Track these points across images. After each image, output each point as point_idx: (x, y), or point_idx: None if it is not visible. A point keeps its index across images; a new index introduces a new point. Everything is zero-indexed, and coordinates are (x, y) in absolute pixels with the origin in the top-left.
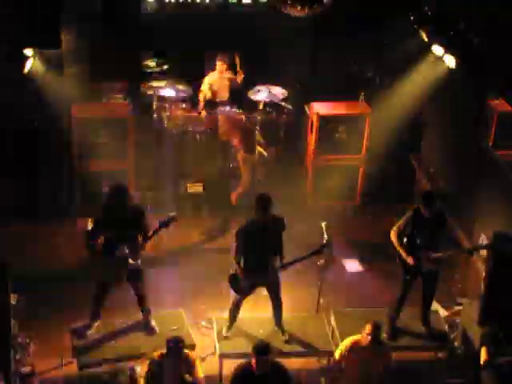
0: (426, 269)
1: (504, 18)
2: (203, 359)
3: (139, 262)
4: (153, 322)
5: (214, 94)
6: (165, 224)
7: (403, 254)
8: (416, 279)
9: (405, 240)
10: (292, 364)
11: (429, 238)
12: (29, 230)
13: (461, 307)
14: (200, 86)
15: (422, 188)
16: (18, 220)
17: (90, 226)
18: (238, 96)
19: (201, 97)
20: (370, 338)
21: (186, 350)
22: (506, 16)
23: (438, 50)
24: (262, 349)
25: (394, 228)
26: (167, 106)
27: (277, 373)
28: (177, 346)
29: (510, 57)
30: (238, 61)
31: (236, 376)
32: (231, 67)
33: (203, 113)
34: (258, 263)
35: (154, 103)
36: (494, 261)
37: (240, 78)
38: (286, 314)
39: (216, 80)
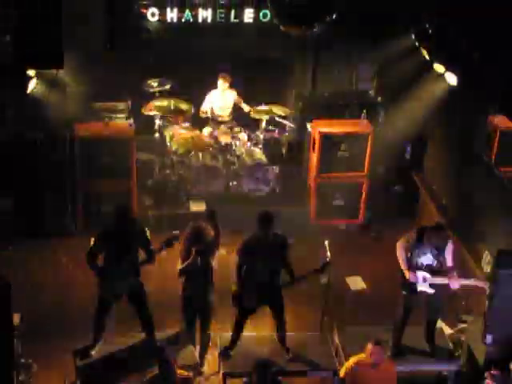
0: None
1: (503, 34)
2: (207, 378)
3: (140, 281)
4: (156, 342)
5: (215, 112)
6: (167, 243)
7: (403, 268)
8: (419, 297)
9: (408, 255)
10: (296, 383)
11: (429, 259)
12: (31, 248)
13: (465, 325)
14: (202, 105)
15: (434, 216)
16: (20, 239)
17: (91, 245)
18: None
19: (202, 115)
20: (373, 356)
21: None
22: (505, 32)
23: (439, 67)
24: (263, 365)
25: (399, 242)
26: (169, 125)
27: None
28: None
29: (511, 73)
30: (241, 101)
31: None
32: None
33: (204, 131)
34: (259, 281)
35: (157, 123)
36: (498, 278)
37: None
38: (290, 332)
39: (218, 98)
